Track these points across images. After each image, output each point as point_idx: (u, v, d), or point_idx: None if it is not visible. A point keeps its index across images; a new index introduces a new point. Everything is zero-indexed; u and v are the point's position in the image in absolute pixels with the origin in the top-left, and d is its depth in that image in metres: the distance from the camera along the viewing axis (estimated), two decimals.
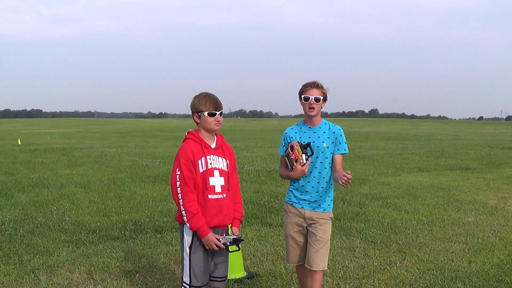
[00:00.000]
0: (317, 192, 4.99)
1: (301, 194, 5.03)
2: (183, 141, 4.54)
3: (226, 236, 4.44)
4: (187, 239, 4.46)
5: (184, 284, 4.52)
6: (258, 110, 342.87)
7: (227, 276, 4.75)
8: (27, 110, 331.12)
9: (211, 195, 4.43)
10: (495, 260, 7.24)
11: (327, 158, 4.98)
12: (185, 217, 4.34)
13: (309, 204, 5.01)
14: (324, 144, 4.96)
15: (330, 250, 5.12)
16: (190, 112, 4.54)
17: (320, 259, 4.96)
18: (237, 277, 6.40)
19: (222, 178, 4.50)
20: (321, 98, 4.93)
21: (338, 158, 5.03)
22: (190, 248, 4.45)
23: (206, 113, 4.42)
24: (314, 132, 5.02)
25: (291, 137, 5.07)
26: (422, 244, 8.07)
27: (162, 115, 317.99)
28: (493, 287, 6.16)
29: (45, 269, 6.84)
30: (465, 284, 6.26)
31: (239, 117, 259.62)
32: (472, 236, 8.59)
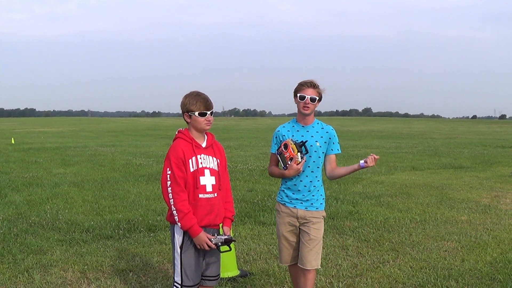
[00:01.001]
0: (309, 191, 5.00)
1: (293, 193, 5.03)
2: (173, 141, 4.53)
3: (218, 236, 4.44)
4: (178, 238, 4.46)
5: (176, 284, 4.52)
6: (252, 109, 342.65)
7: (219, 275, 4.75)
8: (21, 109, 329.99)
9: (202, 195, 4.42)
10: (488, 258, 7.27)
11: (319, 157, 5.00)
12: (176, 217, 4.33)
13: (301, 203, 5.01)
14: (318, 144, 4.97)
15: (323, 248, 5.13)
16: (181, 112, 4.54)
17: (313, 258, 4.98)
18: (230, 275, 6.40)
19: (213, 177, 4.50)
20: (317, 98, 4.93)
21: (333, 157, 5.10)
22: (181, 247, 4.45)
23: (196, 113, 4.41)
24: (307, 131, 5.03)
25: (284, 135, 5.07)
26: (415, 243, 8.09)
27: (155, 114, 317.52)
28: (486, 285, 6.18)
29: (39, 268, 6.83)
30: (458, 282, 6.28)
31: (232, 116, 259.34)
32: (465, 234, 8.61)
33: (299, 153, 4.82)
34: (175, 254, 4.50)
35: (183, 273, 4.46)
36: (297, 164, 4.83)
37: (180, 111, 4.55)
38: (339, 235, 8.61)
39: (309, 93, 4.89)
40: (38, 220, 9.58)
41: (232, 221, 4.74)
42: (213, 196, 4.48)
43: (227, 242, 4.44)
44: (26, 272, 6.67)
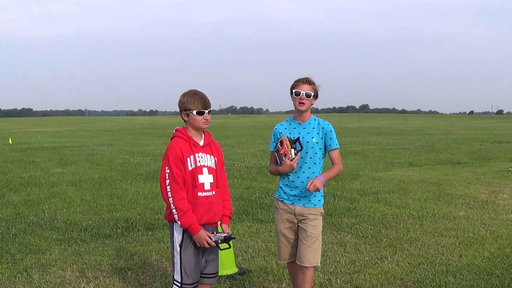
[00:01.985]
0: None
1: (291, 190, 5.05)
2: (171, 139, 4.53)
3: (218, 234, 4.45)
4: (177, 237, 4.46)
5: (175, 282, 4.52)
6: (249, 107, 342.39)
7: (218, 272, 4.75)
8: (18, 109, 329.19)
9: (201, 193, 4.43)
10: (486, 253, 7.29)
11: (316, 153, 5.01)
12: (175, 215, 4.33)
13: (299, 200, 5.03)
14: (314, 140, 4.99)
15: (321, 245, 5.16)
16: (179, 110, 4.54)
17: (311, 255, 4.99)
18: (228, 273, 6.41)
19: (211, 176, 4.51)
20: (312, 94, 4.96)
21: (333, 153, 5.08)
22: (180, 246, 4.45)
23: (194, 112, 4.42)
24: (304, 128, 5.05)
25: (281, 133, 5.10)
26: (413, 239, 8.11)
27: (152, 113, 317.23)
28: (484, 281, 6.19)
29: (38, 267, 6.84)
30: (456, 278, 6.30)
31: (229, 113, 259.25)
32: (463, 230, 8.63)
33: (292, 150, 4.86)
34: (175, 253, 4.50)
35: (182, 271, 4.46)
36: (290, 160, 4.85)
37: (178, 110, 4.55)
38: (337, 231, 8.62)
39: (304, 89, 4.93)
40: (36, 219, 9.59)
41: (230, 219, 4.75)
42: (211, 194, 4.49)
43: (226, 239, 4.45)
44: (25, 271, 6.67)
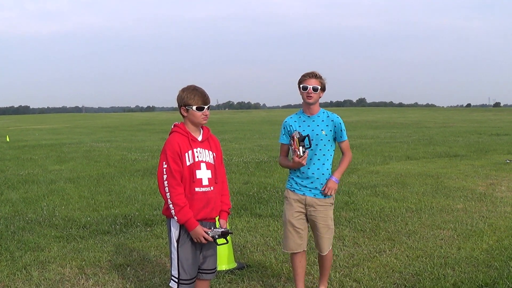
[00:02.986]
0: (317, 178, 5.18)
1: (302, 181, 5.22)
2: (169, 134, 4.53)
3: (215, 229, 4.45)
4: (175, 232, 4.47)
5: (173, 277, 4.53)
6: (246, 102, 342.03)
7: (216, 268, 4.77)
8: (15, 106, 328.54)
9: (198, 188, 4.43)
10: (484, 246, 7.30)
11: (325, 145, 5.18)
12: (172, 211, 4.33)
13: (310, 190, 5.20)
14: (323, 132, 5.16)
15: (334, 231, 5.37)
16: (177, 105, 4.54)
17: (327, 245, 5.31)
18: (227, 268, 6.42)
19: (209, 171, 4.51)
20: (319, 87, 5.13)
21: (343, 144, 5.32)
22: (177, 241, 4.46)
23: (194, 107, 4.42)
24: (313, 121, 5.21)
25: (291, 125, 5.27)
26: (411, 232, 8.13)
27: (150, 109, 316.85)
28: (483, 273, 6.20)
29: (37, 265, 6.84)
30: (454, 270, 6.32)
31: (227, 108, 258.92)
32: (461, 222, 8.65)
33: (301, 147, 4.99)
34: (172, 248, 4.51)
35: (180, 267, 4.47)
36: (299, 158, 4.99)
37: (175, 105, 4.55)
38: (335, 225, 8.60)
39: (311, 83, 5.10)
40: (35, 217, 9.59)
41: (228, 214, 4.75)
42: (209, 189, 4.49)
43: (224, 234, 4.45)
44: (24, 269, 6.68)
